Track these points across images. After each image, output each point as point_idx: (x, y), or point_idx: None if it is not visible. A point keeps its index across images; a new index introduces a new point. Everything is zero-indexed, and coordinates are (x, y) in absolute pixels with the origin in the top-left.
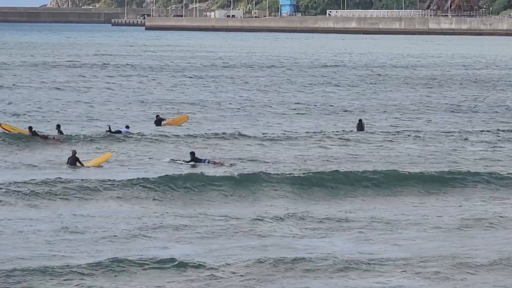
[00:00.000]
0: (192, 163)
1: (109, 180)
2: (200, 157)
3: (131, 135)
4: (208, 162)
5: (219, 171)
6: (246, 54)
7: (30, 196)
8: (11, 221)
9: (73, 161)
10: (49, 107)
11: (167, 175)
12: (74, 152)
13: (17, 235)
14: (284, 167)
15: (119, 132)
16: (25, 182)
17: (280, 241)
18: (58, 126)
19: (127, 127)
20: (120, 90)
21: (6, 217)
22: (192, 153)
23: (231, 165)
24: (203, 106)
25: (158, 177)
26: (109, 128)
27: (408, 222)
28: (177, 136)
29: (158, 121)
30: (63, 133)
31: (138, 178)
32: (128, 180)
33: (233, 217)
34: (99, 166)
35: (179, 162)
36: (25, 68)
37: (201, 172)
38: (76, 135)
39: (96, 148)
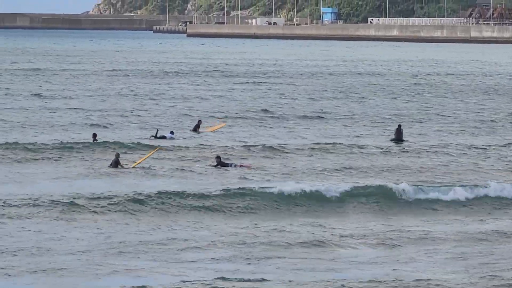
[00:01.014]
0: (218, 167)
1: (146, 190)
2: (226, 161)
3: (175, 141)
4: (235, 166)
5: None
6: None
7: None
8: (57, 233)
9: (116, 164)
10: (94, 112)
11: (221, 189)
12: (118, 155)
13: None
14: (323, 179)
15: (163, 137)
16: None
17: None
18: (94, 135)
19: (172, 132)
20: (166, 95)
21: (57, 231)
22: (218, 157)
23: (258, 168)
24: (246, 112)
25: (210, 189)
26: (156, 133)
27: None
28: (216, 142)
29: (197, 127)
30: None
31: (192, 190)
32: (173, 191)
33: (288, 231)
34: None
35: (205, 167)
36: (72, 75)
37: (252, 187)
38: (119, 141)
39: (139, 154)
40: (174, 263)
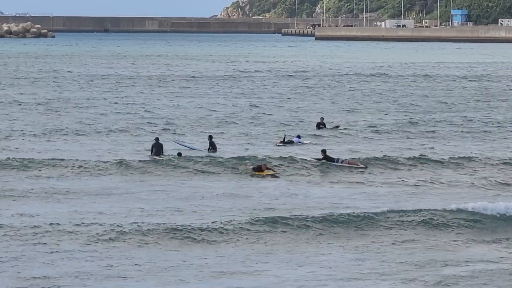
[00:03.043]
0: (323, 161)
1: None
2: (332, 156)
3: (302, 145)
4: (342, 162)
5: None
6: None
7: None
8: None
9: (258, 169)
10: (218, 114)
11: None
12: (265, 166)
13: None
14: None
15: (291, 142)
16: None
17: None
18: (210, 137)
19: (299, 137)
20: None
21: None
22: (324, 151)
23: (366, 167)
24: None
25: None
26: (284, 138)
27: None
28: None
29: (321, 124)
30: (215, 145)
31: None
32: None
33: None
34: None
35: (310, 160)
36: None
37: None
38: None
39: (266, 160)
40: None
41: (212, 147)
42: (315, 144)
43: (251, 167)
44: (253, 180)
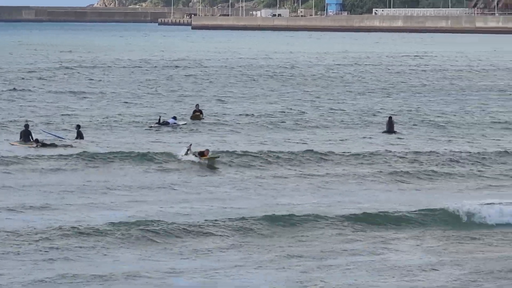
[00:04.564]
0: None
1: None
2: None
3: (177, 126)
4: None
5: None
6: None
7: None
8: None
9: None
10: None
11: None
12: (207, 152)
13: None
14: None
15: (167, 123)
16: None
17: None
18: (78, 127)
19: (174, 118)
20: (174, 87)
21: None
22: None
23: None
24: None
25: None
26: (159, 119)
27: None
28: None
29: (197, 111)
30: (82, 134)
31: None
32: None
33: None
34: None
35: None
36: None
37: None
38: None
39: (147, 140)
40: None
41: (80, 136)
42: (192, 129)
43: (196, 152)
44: (162, 172)
